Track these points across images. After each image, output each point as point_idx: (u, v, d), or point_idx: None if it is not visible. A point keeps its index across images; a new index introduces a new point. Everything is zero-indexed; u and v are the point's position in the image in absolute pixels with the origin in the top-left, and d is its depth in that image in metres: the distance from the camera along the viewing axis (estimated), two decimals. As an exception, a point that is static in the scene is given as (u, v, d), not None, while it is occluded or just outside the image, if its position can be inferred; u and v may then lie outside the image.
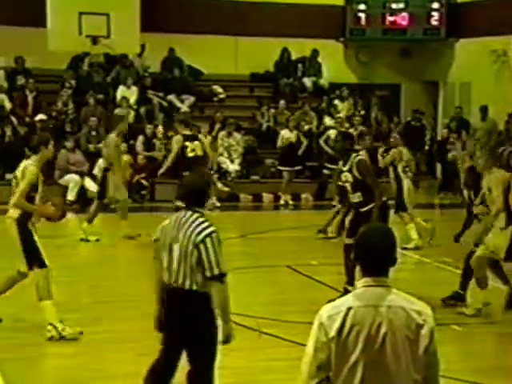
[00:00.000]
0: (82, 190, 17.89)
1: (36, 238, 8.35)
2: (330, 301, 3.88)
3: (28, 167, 8.27)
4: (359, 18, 22.89)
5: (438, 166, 21.64)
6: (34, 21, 19.08)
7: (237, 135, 19.58)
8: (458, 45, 22.65)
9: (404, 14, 22.78)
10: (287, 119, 20.07)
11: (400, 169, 13.27)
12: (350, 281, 9.28)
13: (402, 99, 24.45)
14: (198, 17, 21.55)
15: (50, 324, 8.23)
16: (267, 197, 19.24)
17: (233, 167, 19.34)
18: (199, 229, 5.42)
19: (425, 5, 22.76)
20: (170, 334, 5.64)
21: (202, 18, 21.55)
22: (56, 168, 17.84)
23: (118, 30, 18.87)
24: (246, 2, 22.31)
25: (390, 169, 13.38)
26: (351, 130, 16.44)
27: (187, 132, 13.70)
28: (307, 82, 22.55)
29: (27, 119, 19.05)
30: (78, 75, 20.39)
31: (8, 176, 14.89)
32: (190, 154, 13.33)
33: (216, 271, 5.37)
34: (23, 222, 8.27)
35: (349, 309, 3.67)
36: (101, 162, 18.21)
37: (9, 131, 18.40)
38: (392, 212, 12.14)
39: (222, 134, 19.48)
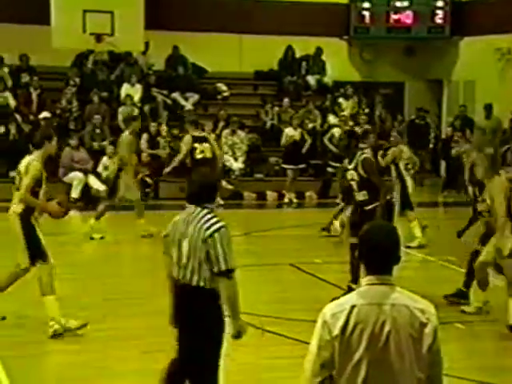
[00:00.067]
0: (86, 188, 17.91)
1: (39, 232, 8.36)
2: (333, 299, 3.88)
3: (31, 162, 8.28)
4: (363, 16, 22.88)
5: (443, 164, 21.63)
6: (38, 18, 19.11)
7: (241, 133, 19.58)
8: (463, 43, 22.63)
9: (408, 12, 22.77)
10: (291, 117, 20.06)
11: (402, 166, 13.28)
12: (355, 279, 9.29)
13: (406, 97, 24.46)
14: (202, 14, 21.55)
15: (52, 319, 8.24)
16: (271, 195, 19.23)
17: (237, 165, 19.34)
18: (208, 224, 5.43)
19: (429, 3, 22.74)
20: (179, 329, 5.66)
21: (206, 15, 21.56)
22: (60, 166, 17.85)
23: (122, 28, 18.89)
24: (251, 0, 22.31)
25: (392, 167, 13.39)
26: (357, 129, 16.43)
27: (197, 133, 13.67)
28: (311, 80, 22.54)
29: (31, 117, 19.06)
30: (82, 73, 20.41)
31: (12, 174, 14.92)
32: (199, 156, 13.32)
33: (223, 267, 5.38)
34: (26, 217, 8.28)
35: (352, 307, 3.67)
36: (105, 160, 18.28)
37: (13, 129, 18.43)
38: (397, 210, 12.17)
39: (226, 132, 19.48)
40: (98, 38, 19.04)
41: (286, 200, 18.84)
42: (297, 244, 13.62)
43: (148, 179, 18.32)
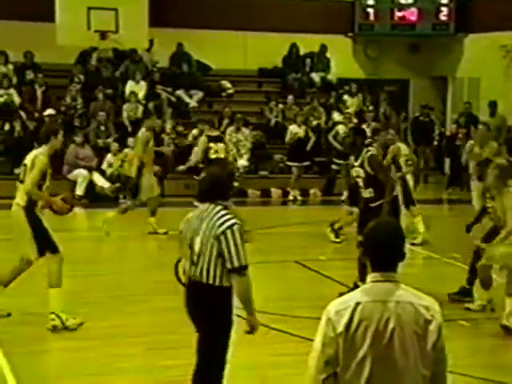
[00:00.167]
0: (91, 185, 17.93)
1: (46, 224, 8.37)
2: (340, 294, 3.88)
3: (38, 156, 8.30)
4: (368, 13, 22.85)
5: (447, 162, 21.60)
6: (42, 16, 19.11)
7: (245, 130, 19.58)
8: (467, 40, 22.59)
9: (413, 9, 22.74)
10: (295, 114, 20.04)
11: (402, 163, 13.31)
12: (362, 277, 9.28)
13: (410, 94, 24.43)
14: (206, 12, 21.54)
15: (53, 313, 8.26)
16: (275, 192, 19.24)
17: (241, 162, 19.34)
18: (221, 221, 5.43)
19: (434, 0, 22.71)
20: (194, 325, 5.68)
21: (211, 13, 21.55)
22: (65, 163, 17.87)
23: (126, 25, 18.89)
24: (255, -3, 22.32)
25: (392, 166, 13.42)
26: (364, 126, 16.43)
27: (212, 133, 13.70)
28: (315, 77, 22.51)
29: (36, 114, 19.07)
30: (86, 70, 20.42)
31: (17, 171, 14.94)
32: (213, 156, 13.34)
33: (236, 263, 5.39)
34: (31, 209, 8.29)
35: (357, 304, 3.67)
36: (109, 157, 18.30)
37: (18, 126, 18.44)
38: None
39: (231, 129, 19.47)
40: (103, 35, 19.04)
41: (291, 197, 18.84)
42: (301, 241, 13.63)
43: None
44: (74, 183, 17.73)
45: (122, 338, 8.15)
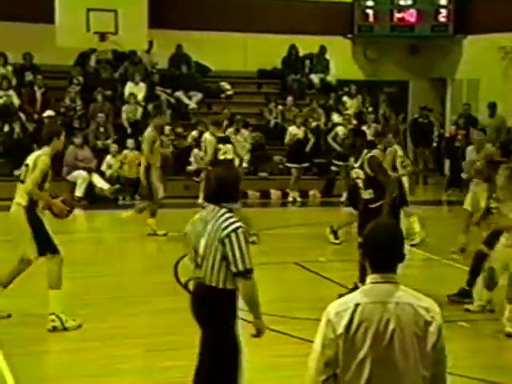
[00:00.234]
0: (90, 187, 17.92)
1: (46, 224, 8.37)
2: (340, 295, 3.89)
3: (40, 156, 8.31)
4: (367, 15, 22.87)
5: (446, 163, 21.62)
6: (42, 17, 19.12)
7: (244, 132, 19.58)
8: (466, 41, 22.61)
9: (412, 10, 22.76)
10: (295, 116, 20.05)
11: (398, 165, 13.34)
12: (362, 278, 9.27)
13: (409, 96, 24.45)
14: (205, 13, 21.56)
15: (53, 314, 8.26)
16: (275, 193, 19.24)
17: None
18: (225, 224, 5.39)
19: (433, 1, 22.73)
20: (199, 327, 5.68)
21: (210, 14, 21.56)
22: (64, 164, 17.86)
23: (125, 27, 18.90)
24: (254, -1, 22.34)
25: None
26: (364, 128, 16.44)
27: (221, 134, 13.70)
28: (315, 78, 22.52)
29: (35, 115, 19.07)
30: (85, 71, 20.43)
31: (16, 172, 14.95)
32: (221, 157, 13.36)
33: (241, 267, 5.36)
34: (32, 209, 8.29)
35: (356, 305, 3.67)
36: (109, 159, 18.30)
37: (17, 127, 18.44)
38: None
39: (230, 130, 19.46)
40: (102, 36, 19.05)
41: (290, 199, 18.85)
42: (301, 243, 13.63)
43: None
44: (73, 185, 17.72)
45: (121, 340, 8.15)
